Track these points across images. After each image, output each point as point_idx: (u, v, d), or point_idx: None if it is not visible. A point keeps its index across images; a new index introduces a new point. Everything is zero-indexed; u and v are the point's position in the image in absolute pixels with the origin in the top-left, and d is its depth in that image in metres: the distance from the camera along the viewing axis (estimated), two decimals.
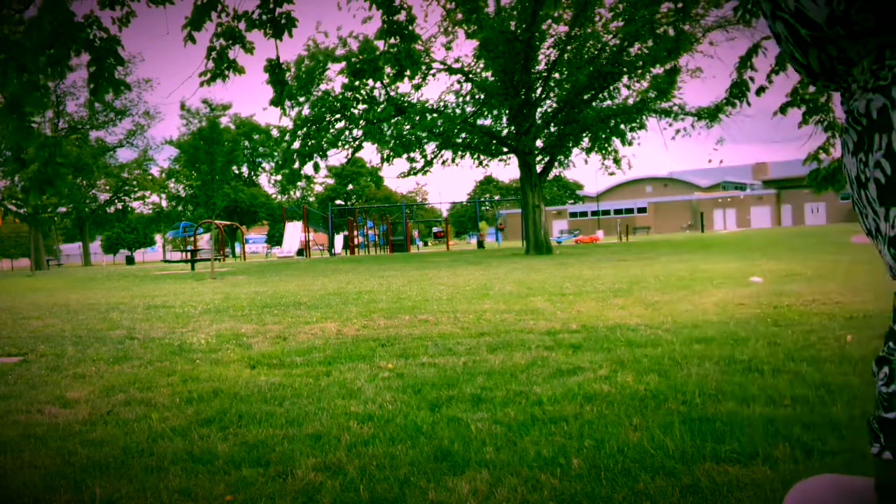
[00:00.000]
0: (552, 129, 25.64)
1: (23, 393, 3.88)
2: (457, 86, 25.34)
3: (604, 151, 26.31)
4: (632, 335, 4.89)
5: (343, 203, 71.26)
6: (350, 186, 77.37)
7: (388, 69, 6.78)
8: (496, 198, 75.74)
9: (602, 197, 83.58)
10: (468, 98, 25.28)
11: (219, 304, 8.93)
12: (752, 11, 6.51)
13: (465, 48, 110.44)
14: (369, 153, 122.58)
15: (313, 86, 24.19)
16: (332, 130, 25.67)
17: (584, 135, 25.62)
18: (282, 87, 6.43)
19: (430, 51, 23.83)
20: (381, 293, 9.60)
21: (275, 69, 6.30)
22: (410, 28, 6.29)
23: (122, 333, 6.33)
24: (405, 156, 25.95)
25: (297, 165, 26.23)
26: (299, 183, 61.20)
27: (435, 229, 61.74)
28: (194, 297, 10.55)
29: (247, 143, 66.53)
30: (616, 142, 25.89)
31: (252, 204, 64.19)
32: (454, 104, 25.40)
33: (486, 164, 27.90)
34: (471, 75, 24.94)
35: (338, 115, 25.60)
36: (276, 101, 7.71)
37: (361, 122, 25.53)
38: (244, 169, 68.76)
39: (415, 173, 26.69)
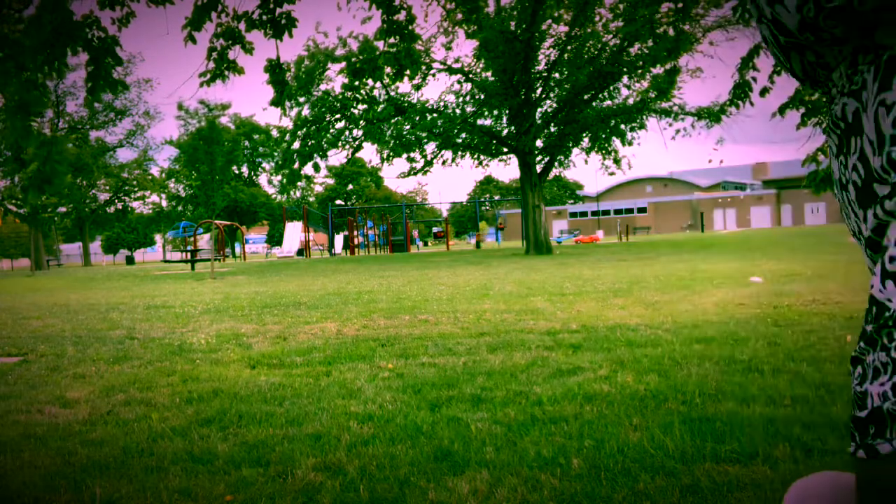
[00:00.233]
0: (552, 129, 25.64)
1: (23, 393, 3.88)
2: (457, 86, 25.37)
3: (604, 151, 26.31)
4: (632, 335, 4.89)
5: (343, 203, 71.22)
6: (350, 186, 77.35)
7: (388, 69, 6.78)
8: (496, 198, 75.74)
9: (602, 197, 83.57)
10: (468, 98, 25.27)
11: (219, 304, 8.93)
12: (751, 12, 6.50)
13: (465, 48, 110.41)
14: (369, 153, 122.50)
15: (313, 86, 24.19)
16: (332, 130, 25.67)
17: (584, 135, 25.62)
18: (282, 87, 6.43)
19: (430, 51, 23.83)
20: (381, 293, 9.60)
21: (275, 69, 6.30)
22: (410, 28, 6.29)
23: (122, 333, 6.33)
24: (405, 156, 25.94)
25: (297, 166, 26.24)
26: (299, 183, 61.15)
27: (435, 229, 61.72)
28: (194, 297, 10.55)
29: (247, 143, 66.52)
30: (616, 142, 25.92)
31: (252, 204, 64.17)
32: (454, 104, 25.41)
33: (486, 164, 27.90)
34: (471, 75, 24.95)
35: (338, 116, 25.60)
36: (277, 102, 7.71)
37: (361, 122, 25.53)
38: (244, 169, 68.77)
39: (415, 173, 26.69)
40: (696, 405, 2.94)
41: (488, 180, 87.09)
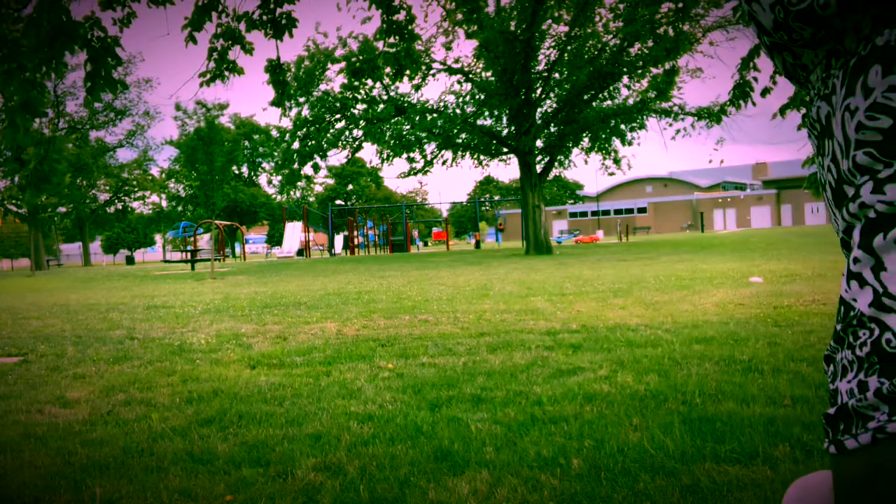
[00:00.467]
0: (552, 129, 25.64)
1: (23, 393, 3.88)
2: (457, 86, 25.38)
3: (604, 151, 26.32)
4: (632, 335, 4.89)
5: (343, 203, 71.22)
6: (350, 186, 77.31)
7: (387, 69, 6.78)
8: (496, 198, 75.73)
9: (602, 197, 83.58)
10: (468, 98, 25.28)
11: (219, 304, 8.93)
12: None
13: (465, 48, 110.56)
14: (369, 153, 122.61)
15: (313, 86, 24.20)
16: (332, 131, 25.68)
17: (584, 135, 25.63)
18: (282, 87, 6.43)
19: (430, 51, 23.84)
20: (381, 293, 9.60)
21: (275, 70, 6.30)
22: (410, 28, 6.28)
23: (122, 333, 6.33)
24: (405, 156, 25.95)
25: (296, 166, 26.24)
26: (299, 183, 61.16)
27: (435, 230, 61.69)
28: (194, 297, 10.55)
29: (247, 143, 66.53)
30: (616, 142, 25.93)
31: (252, 204, 64.17)
32: (454, 104, 25.41)
33: (486, 165, 27.91)
34: (471, 75, 24.95)
35: (338, 116, 25.61)
36: (277, 102, 7.73)
37: (361, 122, 25.54)
38: (244, 169, 68.77)
39: (415, 173, 26.71)
40: (696, 405, 2.94)
41: (488, 180, 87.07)
